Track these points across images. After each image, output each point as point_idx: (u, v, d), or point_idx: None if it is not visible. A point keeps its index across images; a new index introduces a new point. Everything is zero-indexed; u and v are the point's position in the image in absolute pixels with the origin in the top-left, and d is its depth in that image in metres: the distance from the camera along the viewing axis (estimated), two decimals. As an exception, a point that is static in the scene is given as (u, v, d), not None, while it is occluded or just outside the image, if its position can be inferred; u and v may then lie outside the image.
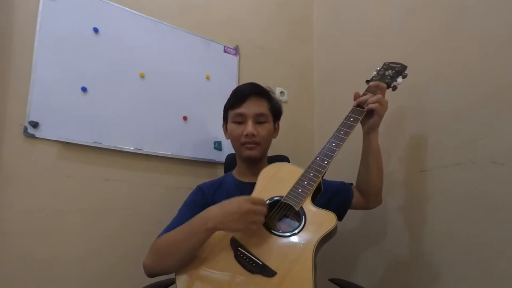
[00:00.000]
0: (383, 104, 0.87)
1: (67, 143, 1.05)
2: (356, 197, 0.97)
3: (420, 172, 1.05)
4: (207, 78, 1.36)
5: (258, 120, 0.95)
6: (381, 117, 0.88)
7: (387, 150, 1.18)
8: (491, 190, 0.86)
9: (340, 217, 0.96)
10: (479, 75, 0.92)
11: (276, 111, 1.01)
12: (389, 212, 1.14)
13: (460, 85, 0.97)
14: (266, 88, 1.01)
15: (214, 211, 0.73)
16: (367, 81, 0.96)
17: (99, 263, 1.07)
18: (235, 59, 1.45)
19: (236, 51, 1.46)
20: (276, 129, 1.04)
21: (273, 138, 1.03)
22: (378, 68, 0.98)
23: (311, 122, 1.65)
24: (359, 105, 0.89)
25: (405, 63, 0.95)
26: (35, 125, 1.01)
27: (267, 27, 1.59)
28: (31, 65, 1.02)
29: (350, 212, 1.00)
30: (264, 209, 0.73)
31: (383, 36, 1.28)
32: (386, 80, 0.92)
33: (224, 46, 1.42)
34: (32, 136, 1.01)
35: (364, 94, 0.91)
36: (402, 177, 1.11)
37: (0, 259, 0.94)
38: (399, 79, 0.92)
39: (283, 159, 1.19)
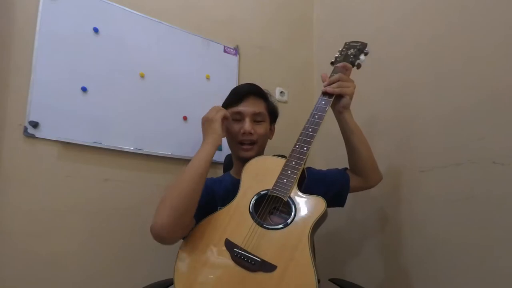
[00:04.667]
0: (344, 86, 0.87)
1: (67, 143, 1.05)
2: (354, 179, 0.96)
3: (420, 172, 1.05)
4: (207, 78, 1.36)
5: (256, 119, 0.96)
6: (350, 97, 0.88)
7: (387, 150, 1.18)
8: (491, 190, 0.86)
9: (341, 202, 0.96)
10: (479, 76, 0.92)
11: (273, 113, 1.02)
12: (389, 212, 1.14)
13: (460, 85, 0.97)
14: (265, 90, 1.02)
15: (201, 148, 0.87)
16: (332, 63, 0.96)
17: (99, 263, 1.07)
18: (235, 59, 1.45)
19: (236, 51, 1.46)
20: (272, 131, 1.05)
21: (269, 139, 1.04)
22: (340, 49, 0.99)
23: (311, 122, 1.65)
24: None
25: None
26: (35, 125, 1.01)
27: (267, 27, 1.59)
28: (31, 65, 1.02)
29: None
30: (217, 106, 0.91)
31: (383, 36, 1.28)
32: (350, 59, 0.93)
33: (224, 46, 1.42)
34: (32, 136, 1.00)
35: (331, 76, 0.91)
36: (402, 177, 1.11)
37: (0, 258, 0.94)
38: (362, 57, 0.93)
39: (283, 159, 1.19)
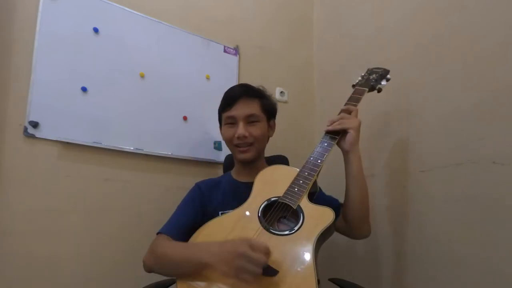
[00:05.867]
0: (346, 123, 0.86)
1: (67, 143, 1.05)
2: (341, 221, 0.91)
3: (420, 172, 1.05)
4: (207, 78, 1.36)
5: (249, 120, 0.95)
6: (355, 131, 0.86)
7: (387, 150, 1.18)
8: (491, 190, 0.86)
9: None
10: (479, 75, 0.92)
11: (269, 110, 1.01)
12: (389, 212, 1.14)
13: (460, 85, 0.97)
14: (259, 87, 1.01)
15: (214, 247, 0.70)
16: (353, 86, 1.00)
17: (99, 263, 1.07)
18: (235, 59, 1.45)
19: (236, 51, 1.46)
20: (271, 127, 1.03)
21: (270, 137, 1.03)
22: (363, 74, 1.03)
23: (311, 122, 1.65)
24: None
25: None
26: (35, 125, 1.01)
27: (267, 27, 1.59)
28: (31, 65, 1.02)
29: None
30: (262, 259, 0.63)
31: (383, 36, 1.28)
32: (371, 83, 0.97)
33: (224, 46, 1.42)
34: (32, 136, 1.00)
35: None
36: (402, 177, 1.11)
37: (0, 258, 0.94)
38: (383, 82, 0.98)
39: (282, 159, 1.19)
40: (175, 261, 0.74)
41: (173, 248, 0.77)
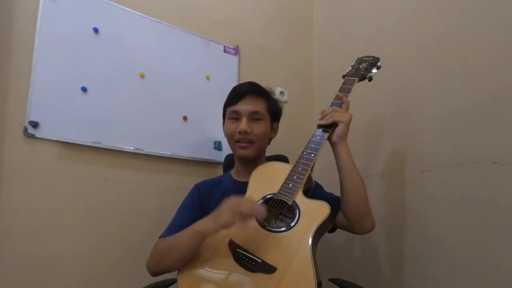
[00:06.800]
0: (337, 116, 0.86)
1: (67, 143, 1.05)
2: (341, 217, 0.88)
3: (420, 172, 1.05)
4: (207, 78, 1.36)
5: (253, 117, 0.94)
6: (345, 125, 0.85)
7: (387, 150, 1.18)
8: (491, 190, 0.86)
9: None
10: (479, 75, 0.92)
11: (274, 112, 1.00)
12: (389, 212, 1.14)
13: (460, 85, 0.97)
14: (267, 88, 1.01)
15: (206, 218, 0.74)
16: (343, 76, 0.97)
17: (99, 263, 1.07)
18: (235, 59, 1.45)
19: (236, 51, 1.46)
20: (274, 130, 1.03)
21: (272, 139, 1.03)
22: (353, 64, 1.00)
23: (311, 122, 1.65)
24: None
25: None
26: (35, 125, 1.01)
27: (267, 27, 1.59)
28: (31, 65, 1.02)
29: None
30: (254, 207, 0.68)
31: (383, 36, 1.28)
32: (361, 72, 0.95)
33: (224, 46, 1.42)
34: (32, 136, 1.00)
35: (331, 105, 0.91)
36: (402, 177, 1.11)
37: (0, 258, 0.94)
38: (374, 70, 0.95)
39: (283, 159, 1.19)
40: (175, 244, 0.75)
41: (171, 237, 0.79)
